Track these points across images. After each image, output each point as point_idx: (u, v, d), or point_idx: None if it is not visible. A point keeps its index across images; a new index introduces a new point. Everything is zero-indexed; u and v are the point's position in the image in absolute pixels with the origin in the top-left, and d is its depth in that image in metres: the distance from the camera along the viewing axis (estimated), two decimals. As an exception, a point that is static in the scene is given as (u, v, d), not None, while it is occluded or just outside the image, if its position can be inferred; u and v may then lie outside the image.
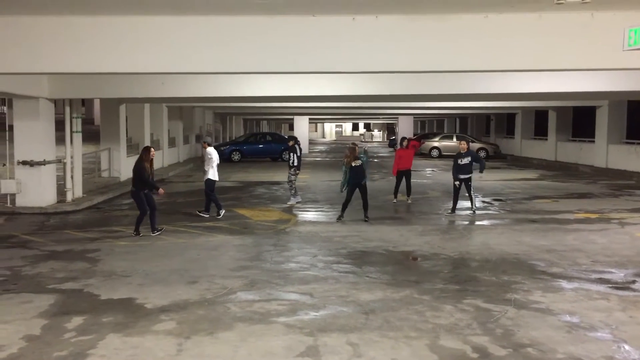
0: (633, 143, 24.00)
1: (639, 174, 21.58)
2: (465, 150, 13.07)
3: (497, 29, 8.02)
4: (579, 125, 29.69)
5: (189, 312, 6.41)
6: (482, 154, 33.46)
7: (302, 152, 15.55)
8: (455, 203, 13.14)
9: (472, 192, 13.20)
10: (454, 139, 33.58)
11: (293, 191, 14.85)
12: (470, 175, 13.01)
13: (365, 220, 12.08)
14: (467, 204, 13.41)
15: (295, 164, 14.65)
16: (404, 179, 14.90)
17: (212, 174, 12.67)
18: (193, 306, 6.63)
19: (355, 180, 12.08)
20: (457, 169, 13.01)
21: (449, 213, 13.11)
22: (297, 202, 14.64)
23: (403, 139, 16.06)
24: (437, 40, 8.16)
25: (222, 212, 12.67)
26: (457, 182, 12.99)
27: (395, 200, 14.88)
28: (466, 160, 12.94)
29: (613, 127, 25.03)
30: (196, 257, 9.03)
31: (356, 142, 13.02)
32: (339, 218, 12.21)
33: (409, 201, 14.89)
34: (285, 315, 6.34)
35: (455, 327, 5.95)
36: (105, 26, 8.05)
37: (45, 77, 13.08)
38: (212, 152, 12.79)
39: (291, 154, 14.74)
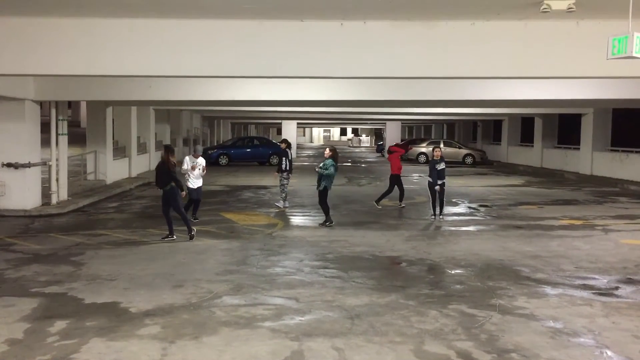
0: (617, 151, 24.26)
1: (623, 181, 21.81)
2: (439, 157, 13.21)
3: (484, 36, 8.09)
4: (565, 132, 29.98)
5: (173, 317, 6.38)
6: (469, 160, 33.77)
7: (292, 156, 15.49)
8: (434, 207, 13.25)
9: (444, 197, 13.32)
10: (441, 145, 33.74)
11: (284, 195, 14.81)
12: (444, 180, 13.14)
13: (321, 224, 12.17)
14: (450, 209, 13.49)
15: (288, 167, 14.58)
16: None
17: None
18: (178, 310, 6.60)
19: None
20: (437, 174, 13.11)
21: (434, 219, 13.16)
22: (285, 207, 14.60)
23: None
24: (424, 46, 8.21)
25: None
26: (437, 187, 13.08)
27: (379, 206, 14.96)
28: (441, 167, 13.08)
29: (598, 135, 25.29)
30: (182, 261, 8.99)
31: (333, 147, 13.08)
32: (325, 223, 12.21)
33: (401, 206, 14.97)
34: (271, 319, 6.33)
35: (440, 332, 5.97)
36: (92, 28, 8.01)
37: (32, 79, 12.99)
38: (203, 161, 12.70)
39: (282, 157, 14.66)
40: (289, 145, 14.95)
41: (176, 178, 10.51)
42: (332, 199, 12.49)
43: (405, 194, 15.29)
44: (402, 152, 15.60)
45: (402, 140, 42.55)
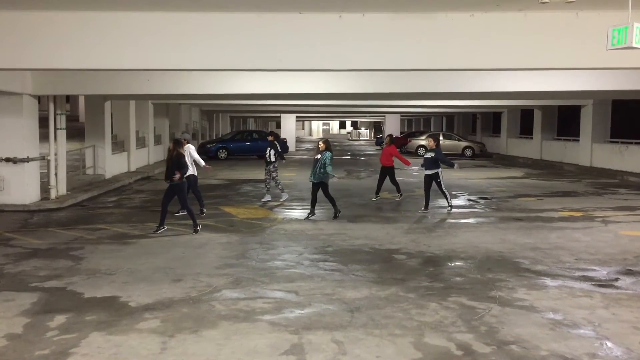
0: (617, 142, 24.25)
1: (622, 173, 21.81)
2: (432, 147, 13.22)
3: (483, 28, 8.06)
4: (564, 124, 29.96)
5: (173, 311, 6.37)
6: (468, 152, 33.75)
7: (288, 149, 15.51)
8: (427, 200, 13.26)
9: (443, 188, 13.30)
10: (440, 138, 33.71)
11: (280, 187, 14.78)
12: (436, 171, 13.12)
13: (335, 217, 12.18)
14: (444, 202, 13.51)
15: (273, 159, 14.46)
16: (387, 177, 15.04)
17: (193, 169, 12.47)
18: (177, 304, 6.59)
19: None
20: (426, 164, 13.28)
21: (423, 210, 13.17)
22: (267, 201, 14.54)
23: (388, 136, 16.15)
24: (423, 38, 8.18)
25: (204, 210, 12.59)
26: (423, 170, 13.32)
27: (374, 198, 14.96)
28: (429, 155, 13.09)
29: (597, 126, 25.28)
30: (181, 255, 8.98)
31: (327, 139, 12.95)
32: (336, 215, 12.21)
33: (397, 199, 14.96)
34: (270, 313, 6.32)
35: (440, 325, 5.97)
36: (89, 22, 7.98)
37: (29, 73, 12.94)
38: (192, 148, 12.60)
39: (271, 150, 14.56)
40: (276, 137, 15.06)
41: (183, 168, 10.61)
42: (331, 192, 12.46)
43: (403, 187, 15.28)
44: (396, 153, 15.38)
45: (401, 133, 42.56)
